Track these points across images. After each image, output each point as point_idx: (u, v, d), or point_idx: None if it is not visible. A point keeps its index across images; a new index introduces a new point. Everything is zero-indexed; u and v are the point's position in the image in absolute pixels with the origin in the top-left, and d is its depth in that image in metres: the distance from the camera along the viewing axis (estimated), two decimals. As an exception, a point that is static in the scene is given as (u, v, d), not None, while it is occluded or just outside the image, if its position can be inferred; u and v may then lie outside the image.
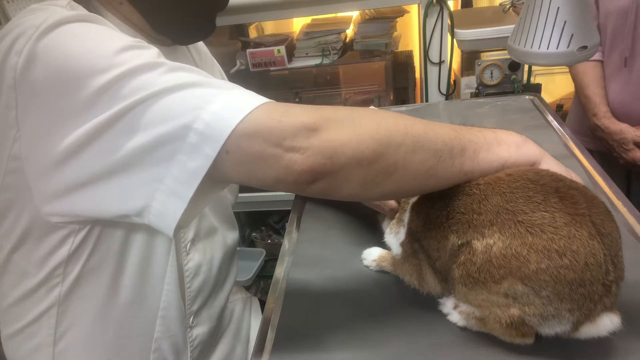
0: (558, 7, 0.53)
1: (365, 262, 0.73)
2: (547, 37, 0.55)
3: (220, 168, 0.48)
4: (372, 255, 0.73)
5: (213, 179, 0.49)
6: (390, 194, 0.56)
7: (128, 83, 0.49)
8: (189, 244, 0.74)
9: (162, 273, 0.68)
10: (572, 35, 0.54)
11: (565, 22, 0.53)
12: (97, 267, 0.63)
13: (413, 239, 0.63)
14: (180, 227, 0.50)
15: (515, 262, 0.49)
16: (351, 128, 0.49)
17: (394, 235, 0.67)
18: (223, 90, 0.50)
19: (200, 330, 0.77)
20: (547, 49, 0.55)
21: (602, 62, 1.42)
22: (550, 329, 0.52)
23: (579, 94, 1.48)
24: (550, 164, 0.57)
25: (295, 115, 0.48)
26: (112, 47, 0.51)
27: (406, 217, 0.64)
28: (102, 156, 0.51)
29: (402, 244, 0.65)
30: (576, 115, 1.57)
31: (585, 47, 0.55)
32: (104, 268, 0.63)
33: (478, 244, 0.52)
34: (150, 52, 0.53)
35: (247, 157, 0.48)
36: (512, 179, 0.53)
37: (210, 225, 0.79)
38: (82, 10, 0.58)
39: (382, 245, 0.73)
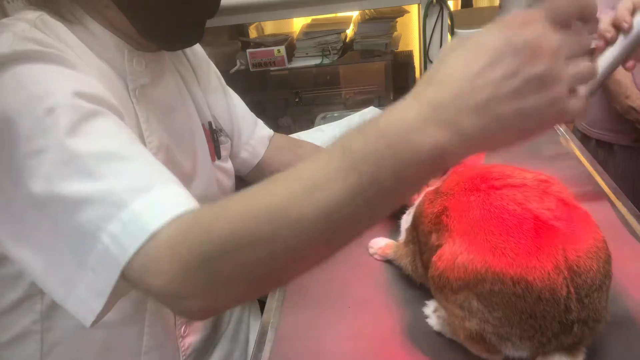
0: None
1: (371, 250, 0.75)
2: None
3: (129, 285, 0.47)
4: (379, 243, 0.74)
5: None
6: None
7: (40, 167, 0.47)
8: None
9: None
10: None
11: None
12: None
13: (414, 225, 0.63)
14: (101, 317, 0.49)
15: (473, 278, 0.49)
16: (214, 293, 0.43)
17: (406, 217, 0.68)
18: (118, 211, 0.46)
19: (193, 339, 0.75)
20: None
21: None
22: (509, 351, 0.51)
23: (607, 79, 1.46)
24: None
25: (163, 283, 0.43)
26: (40, 107, 0.48)
27: (417, 201, 0.65)
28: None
29: (407, 229, 0.66)
30: (596, 109, 1.56)
31: None
32: None
33: (447, 249, 0.52)
34: (69, 123, 0.48)
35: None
36: (497, 197, 0.52)
37: None
38: (43, 32, 0.55)
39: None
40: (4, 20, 0.56)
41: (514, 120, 0.36)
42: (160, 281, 0.42)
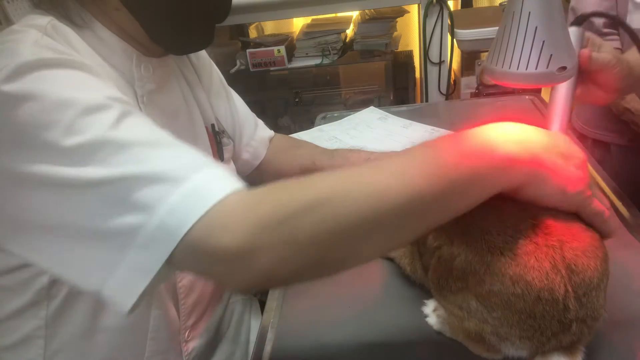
0: (536, 27, 0.51)
1: None
2: (525, 57, 0.53)
3: (174, 266, 0.45)
4: None
5: (169, 270, 0.46)
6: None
7: (82, 160, 0.46)
8: None
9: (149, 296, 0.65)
10: (551, 55, 0.53)
11: (543, 42, 0.52)
12: (81, 293, 0.60)
13: None
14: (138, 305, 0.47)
15: (472, 279, 0.49)
16: (291, 243, 0.42)
17: None
18: (176, 186, 0.45)
19: (196, 343, 0.75)
20: (526, 69, 0.53)
21: (620, 50, 1.43)
22: (508, 351, 0.51)
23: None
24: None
25: (234, 237, 0.41)
26: (75, 108, 0.47)
27: None
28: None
29: None
30: (593, 109, 1.57)
31: (564, 68, 0.54)
32: (88, 294, 0.58)
33: (445, 250, 0.52)
34: (114, 116, 0.48)
35: (194, 269, 0.47)
36: (494, 197, 0.50)
37: None
38: (57, 42, 0.54)
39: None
40: (14, 27, 0.55)
41: (560, 168, 0.47)
42: (229, 238, 0.41)
